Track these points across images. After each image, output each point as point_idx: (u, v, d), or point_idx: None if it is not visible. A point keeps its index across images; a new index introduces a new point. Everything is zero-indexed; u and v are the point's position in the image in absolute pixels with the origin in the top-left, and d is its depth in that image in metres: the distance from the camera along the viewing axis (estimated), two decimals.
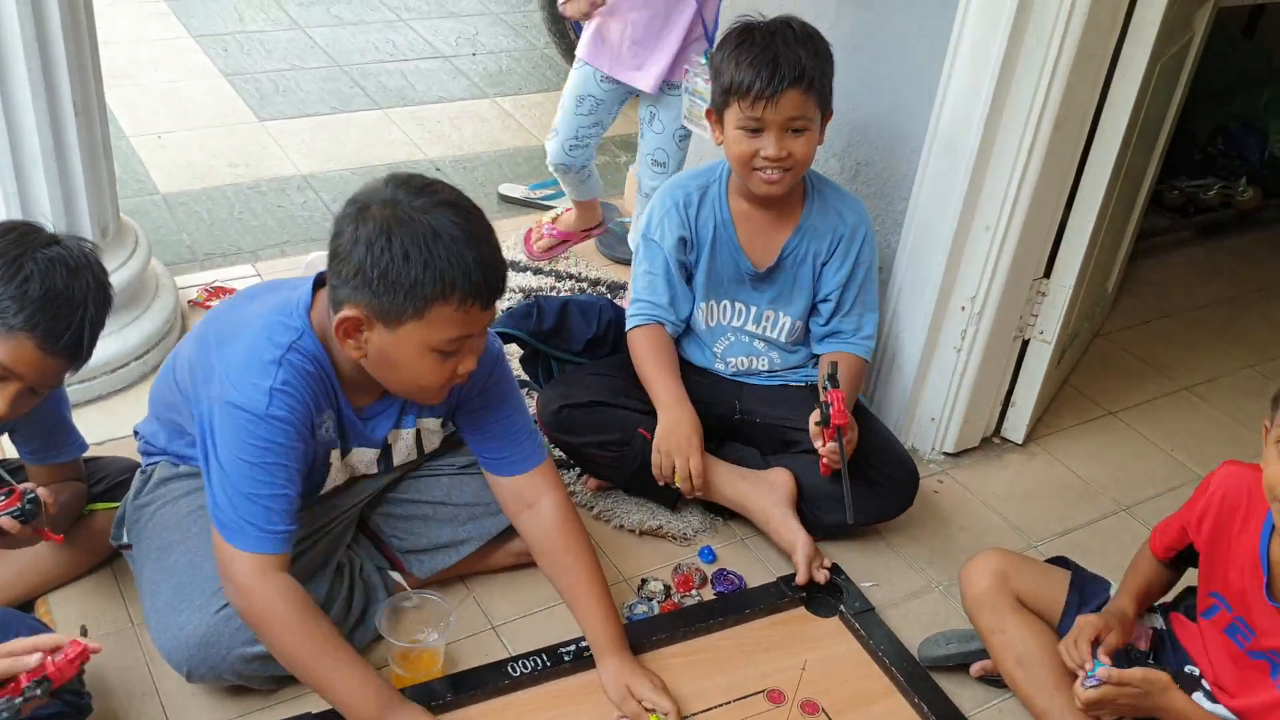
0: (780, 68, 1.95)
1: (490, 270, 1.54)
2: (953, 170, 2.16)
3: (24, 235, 1.60)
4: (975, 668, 1.90)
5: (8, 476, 1.66)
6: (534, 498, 1.84)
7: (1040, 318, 2.39)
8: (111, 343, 2.26)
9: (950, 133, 2.15)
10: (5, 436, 1.80)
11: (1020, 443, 2.53)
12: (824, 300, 2.18)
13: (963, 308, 2.29)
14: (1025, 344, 2.43)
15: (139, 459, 1.89)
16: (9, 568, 1.84)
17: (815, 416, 2.00)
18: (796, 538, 2.05)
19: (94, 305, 1.62)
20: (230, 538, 1.57)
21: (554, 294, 2.81)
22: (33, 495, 1.59)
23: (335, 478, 1.77)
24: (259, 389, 1.56)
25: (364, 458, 1.79)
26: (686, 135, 2.62)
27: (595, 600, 1.79)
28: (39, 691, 1.30)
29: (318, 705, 1.70)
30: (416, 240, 1.48)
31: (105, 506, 1.89)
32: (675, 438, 2.05)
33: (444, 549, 1.91)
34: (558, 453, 2.20)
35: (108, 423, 2.21)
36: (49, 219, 2.07)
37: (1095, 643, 1.63)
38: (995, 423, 2.52)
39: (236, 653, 1.64)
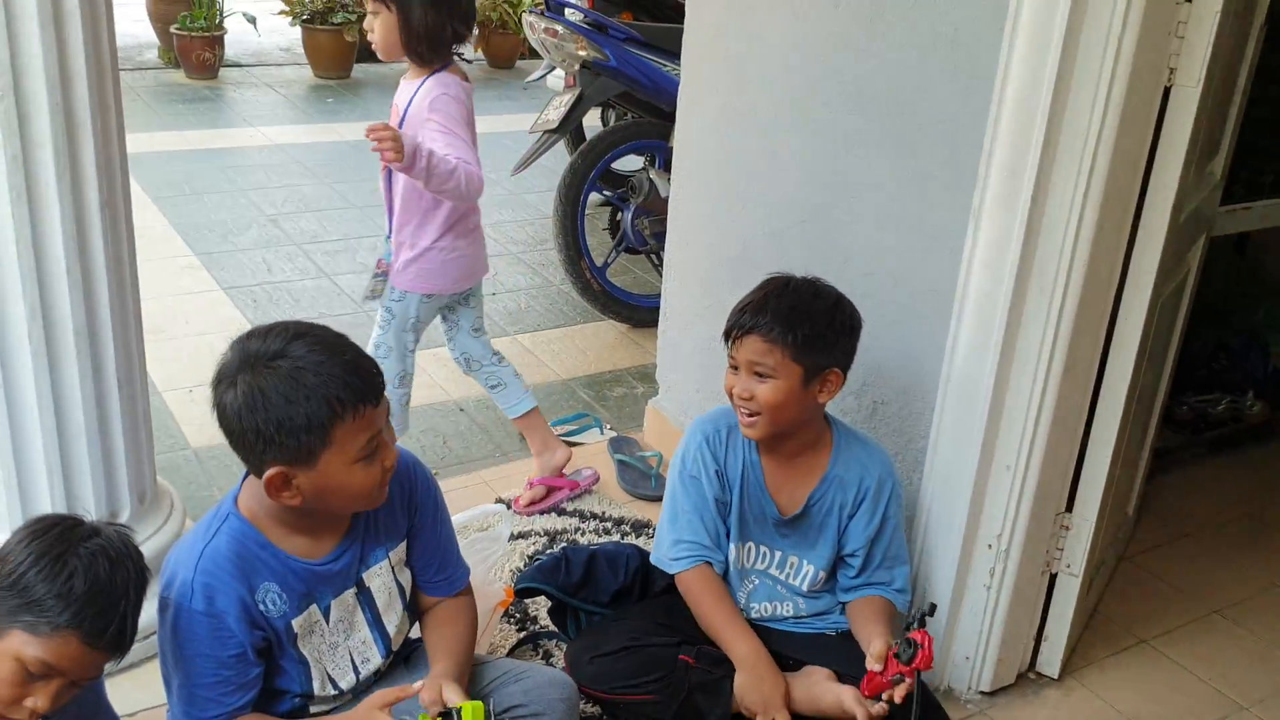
0: (757, 313, 2.07)
1: (361, 371, 1.67)
2: (970, 413, 2.22)
3: (67, 530, 1.63)
4: None
5: None
6: (455, 615, 1.99)
7: (1066, 551, 2.40)
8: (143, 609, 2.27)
9: (964, 378, 2.22)
10: None
11: (1056, 677, 2.49)
12: (852, 555, 2.20)
13: (989, 545, 2.30)
14: (1054, 577, 2.44)
15: None
16: None
17: (881, 649, 1.97)
18: (839, 692, 2.04)
19: (134, 593, 1.65)
20: None
21: (579, 536, 2.84)
22: None
23: (327, 663, 1.83)
24: (183, 582, 1.71)
25: (346, 602, 1.83)
26: None
27: (458, 644, 1.93)
28: None
29: None
30: (286, 383, 1.62)
31: None
32: (759, 696, 2.04)
33: None
34: (591, 708, 2.18)
35: (140, 693, 2.19)
36: (91, 504, 2.13)
37: None
38: (1030, 657, 2.50)
39: None
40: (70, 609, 1.57)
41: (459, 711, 1.69)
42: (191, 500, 2.85)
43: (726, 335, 2.13)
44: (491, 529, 2.59)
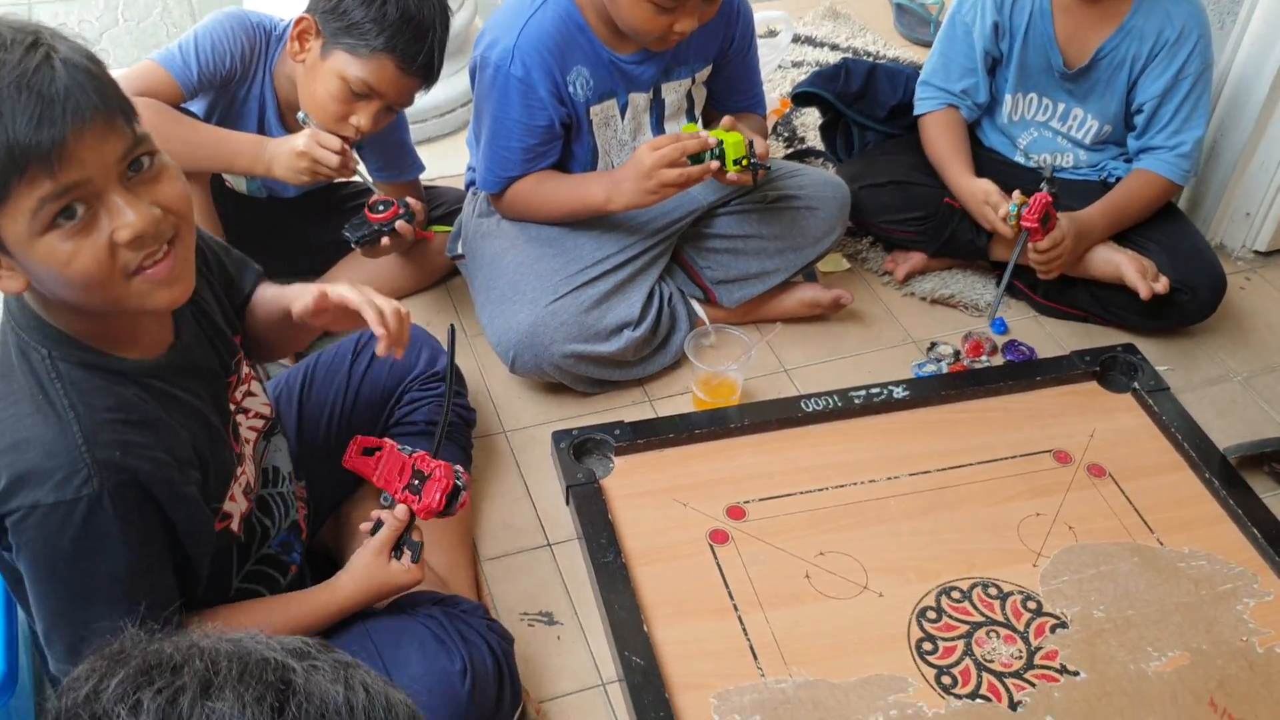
0: None
1: None
2: None
3: None
4: None
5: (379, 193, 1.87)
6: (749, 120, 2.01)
7: None
8: (441, 88, 2.41)
9: None
10: (363, 165, 2.00)
11: None
12: (1138, 111, 2.07)
13: None
14: None
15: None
16: (358, 280, 2.07)
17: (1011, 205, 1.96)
18: (1120, 260, 2.03)
19: (440, 28, 1.77)
20: (485, 186, 1.92)
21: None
22: (406, 203, 1.81)
23: (614, 157, 1.93)
24: (505, 48, 1.76)
25: (638, 104, 1.90)
26: None
27: (750, 121, 1.98)
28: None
29: (631, 414, 1.87)
30: None
31: (441, 229, 2.08)
32: (987, 211, 2.02)
33: (752, 279, 2.02)
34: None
35: (436, 162, 2.39)
36: None
37: None
38: None
39: (558, 347, 1.83)
40: (385, 33, 1.70)
41: (721, 144, 1.77)
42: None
43: None
44: (774, 35, 2.59)
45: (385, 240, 1.82)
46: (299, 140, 1.72)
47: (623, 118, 1.91)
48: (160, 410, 1.12)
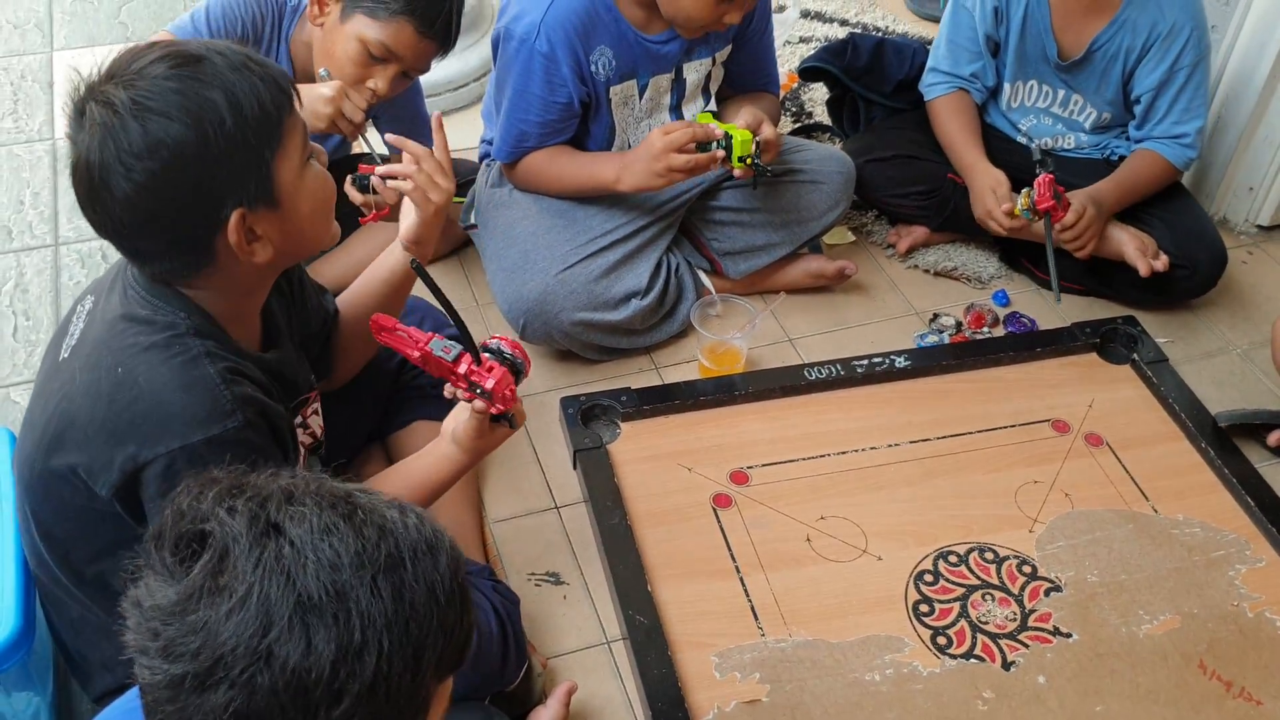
0: None
1: None
2: None
3: None
4: (1274, 436, 1.88)
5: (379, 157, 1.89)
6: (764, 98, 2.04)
7: None
8: (454, 62, 2.45)
9: None
10: (376, 136, 2.03)
11: None
12: (1136, 102, 2.09)
13: None
14: None
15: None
16: (371, 246, 2.10)
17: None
18: (1121, 237, 2.04)
19: None
20: (499, 156, 1.95)
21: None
22: None
23: (630, 134, 1.95)
24: (531, 22, 1.79)
25: (660, 85, 1.93)
26: None
27: (763, 103, 2.00)
28: None
29: (638, 381, 1.91)
30: None
31: (456, 200, 2.11)
32: (990, 197, 2.04)
33: (757, 251, 2.06)
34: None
35: (450, 135, 2.41)
36: None
37: None
38: None
39: (567, 315, 1.87)
40: None
41: (729, 135, 1.81)
42: None
43: None
44: (782, 10, 2.61)
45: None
46: (327, 88, 1.73)
47: (641, 97, 1.93)
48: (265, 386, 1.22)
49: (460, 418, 1.36)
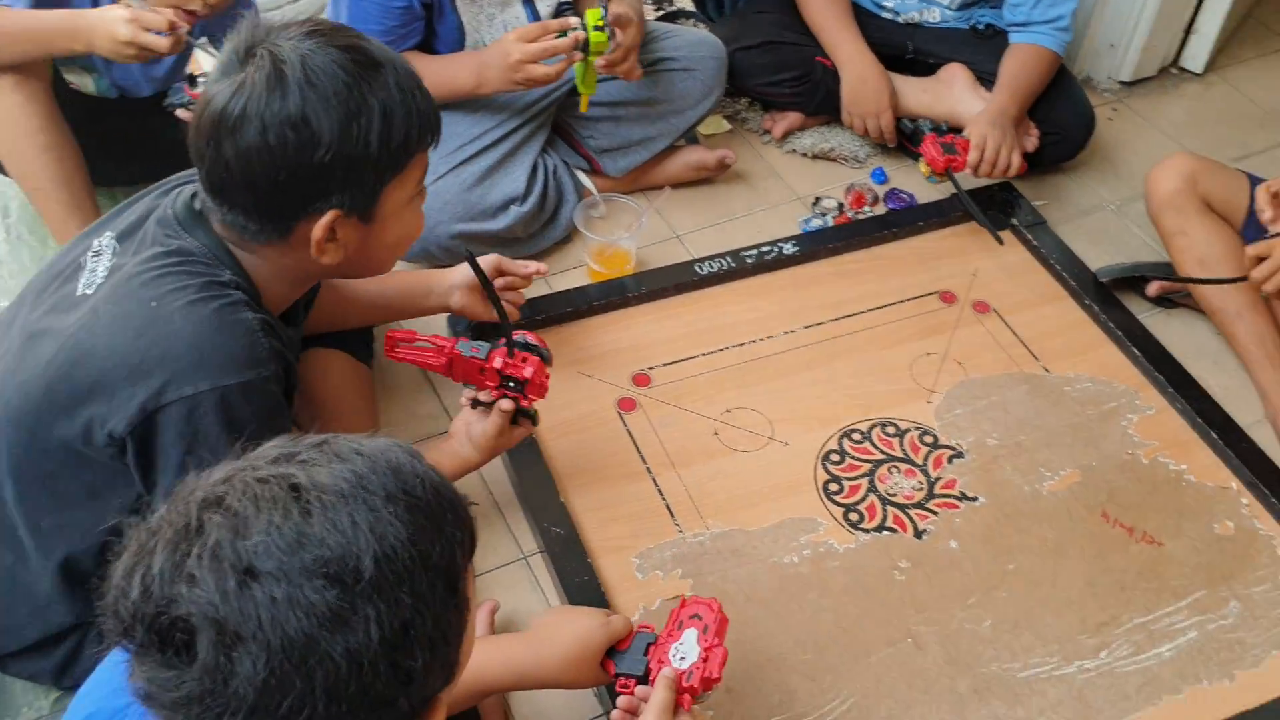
0: None
1: None
2: None
3: None
4: (1153, 287, 1.93)
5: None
6: None
7: None
8: None
9: None
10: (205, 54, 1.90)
11: (1199, 73, 2.46)
12: None
13: None
14: None
15: None
16: None
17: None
18: (971, 114, 2.04)
19: None
20: None
21: None
22: None
23: (484, 33, 1.86)
24: None
25: None
26: None
27: None
28: None
29: (527, 291, 1.85)
30: None
31: None
32: (863, 97, 2.05)
33: (635, 146, 2.01)
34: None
35: None
36: None
37: None
38: (1175, 51, 2.45)
39: (444, 228, 1.82)
40: None
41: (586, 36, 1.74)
42: None
43: None
44: None
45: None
46: (121, 28, 1.58)
47: None
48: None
49: (469, 418, 1.41)
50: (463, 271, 1.56)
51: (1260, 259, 1.65)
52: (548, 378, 1.41)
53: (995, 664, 1.45)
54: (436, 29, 1.85)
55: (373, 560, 0.67)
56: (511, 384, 1.37)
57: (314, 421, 1.57)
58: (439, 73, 1.81)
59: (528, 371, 1.37)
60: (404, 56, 1.73)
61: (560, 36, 1.74)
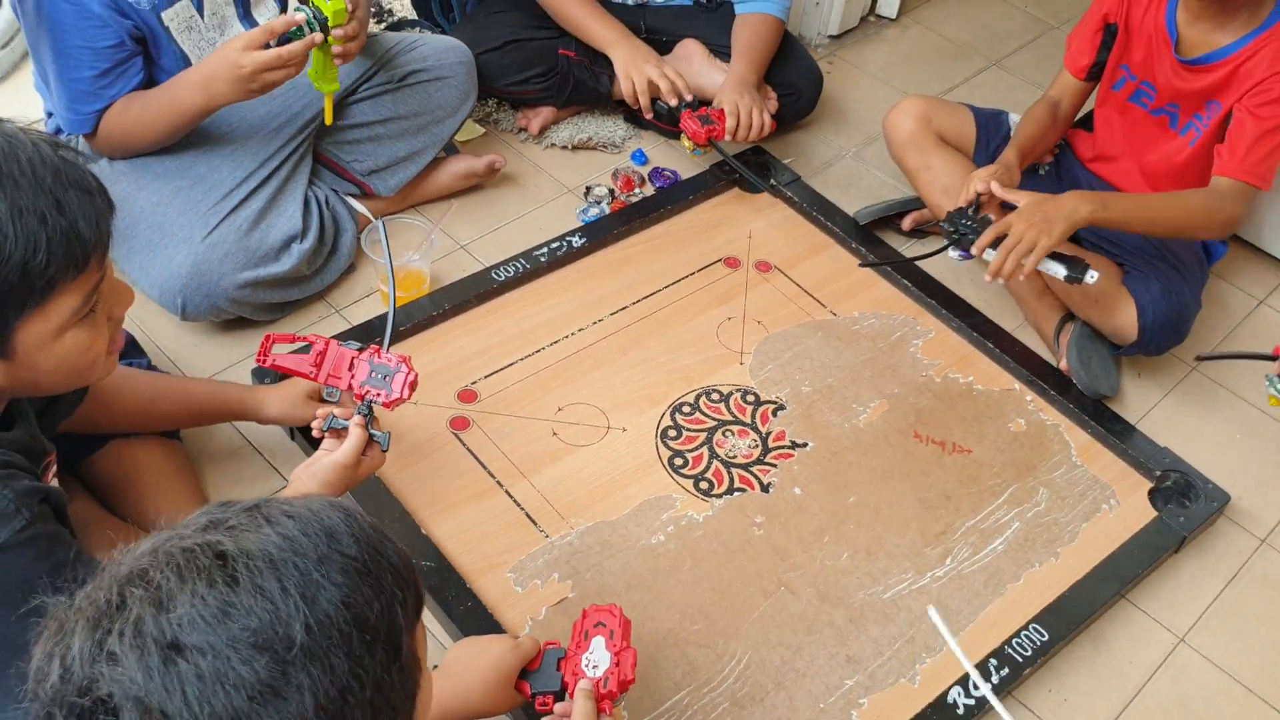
0: None
1: None
2: None
3: None
4: (907, 220, 2.11)
5: None
6: None
7: None
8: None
9: None
10: None
11: (894, 17, 2.68)
12: None
13: None
14: None
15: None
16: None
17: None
18: (714, 85, 2.14)
19: None
20: (71, 129, 1.74)
21: None
22: None
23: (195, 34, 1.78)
24: None
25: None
26: None
27: None
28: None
29: (324, 329, 1.81)
30: None
31: None
32: (638, 64, 2.09)
33: (402, 163, 1.99)
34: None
35: (19, 104, 2.13)
36: None
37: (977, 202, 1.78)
38: (870, 2, 2.66)
39: (229, 279, 1.74)
40: None
41: (319, 11, 1.67)
42: None
43: None
44: None
45: None
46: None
47: (202, 16, 1.77)
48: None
49: (322, 459, 1.31)
50: (286, 388, 1.56)
51: (995, 242, 1.70)
52: (407, 395, 1.38)
53: (861, 592, 1.56)
54: (159, 62, 1.76)
55: (303, 626, 0.66)
56: (385, 374, 1.37)
57: (140, 515, 1.49)
58: (161, 102, 1.72)
59: (398, 364, 1.38)
60: (124, 100, 1.69)
61: (293, 35, 1.67)
